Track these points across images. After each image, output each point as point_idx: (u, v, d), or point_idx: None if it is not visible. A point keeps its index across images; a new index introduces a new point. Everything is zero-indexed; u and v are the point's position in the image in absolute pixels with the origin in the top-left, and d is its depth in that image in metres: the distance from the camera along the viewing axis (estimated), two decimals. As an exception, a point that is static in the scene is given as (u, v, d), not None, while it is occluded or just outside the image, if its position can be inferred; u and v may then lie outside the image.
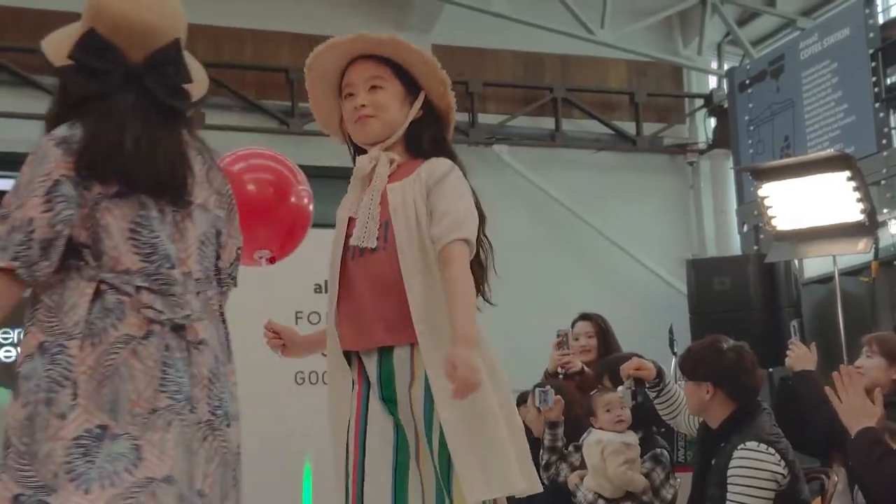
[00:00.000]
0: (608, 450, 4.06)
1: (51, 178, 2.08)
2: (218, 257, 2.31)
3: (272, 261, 3.44)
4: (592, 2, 9.00)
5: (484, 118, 9.35)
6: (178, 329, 2.15)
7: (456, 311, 2.40)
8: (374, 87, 2.67)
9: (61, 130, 2.14)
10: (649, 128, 9.79)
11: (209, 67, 9.42)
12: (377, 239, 2.57)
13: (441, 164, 2.64)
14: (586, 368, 4.78)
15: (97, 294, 2.10)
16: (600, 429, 4.15)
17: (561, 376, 4.70)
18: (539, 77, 9.74)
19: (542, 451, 4.31)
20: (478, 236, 2.60)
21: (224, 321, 2.32)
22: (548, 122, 9.58)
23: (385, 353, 2.58)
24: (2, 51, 8.11)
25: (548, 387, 4.34)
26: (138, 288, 2.11)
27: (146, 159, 2.13)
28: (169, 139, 2.18)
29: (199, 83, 2.34)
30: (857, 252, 6.42)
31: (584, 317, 5.10)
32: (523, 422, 4.64)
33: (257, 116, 8.79)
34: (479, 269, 2.64)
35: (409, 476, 2.56)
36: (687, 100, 10.22)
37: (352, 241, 2.62)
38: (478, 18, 9.03)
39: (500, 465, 2.44)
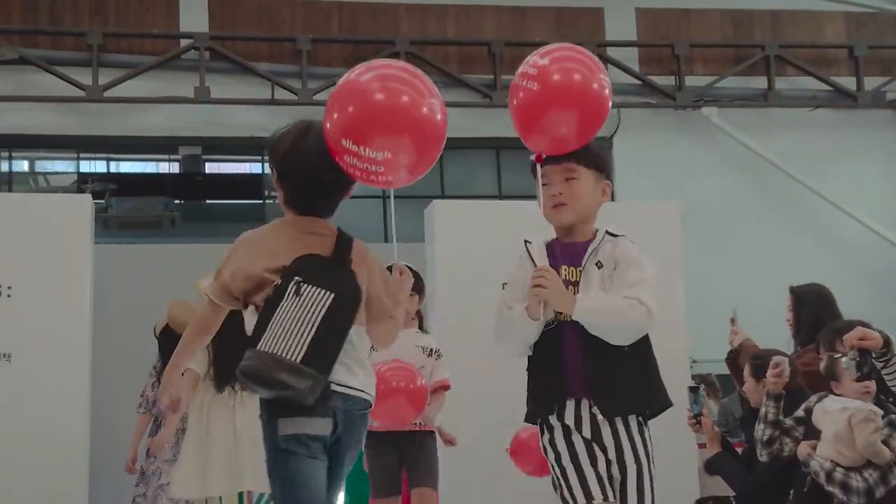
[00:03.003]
0: (856, 418, 3.85)
1: None
2: None
3: None
4: (805, -48, 8.62)
5: (691, 80, 9.11)
6: None
7: None
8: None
9: None
10: (871, 82, 9.30)
11: (412, 45, 9.48)
12: None
13: None
14: (746, 343, 4.90)
15: None
16: (839, 396, 3.96)
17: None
18: (749, 35, 9.43)
19: (760, 425, 4.16)
20: None
21: None
22: (759, 82, 9.25)
23: None
24: (219, 39, 8.52)
25: (785, 359, 4.21)
26: None
27: None
28: None
29: None
30: None
31: (790, 290, 5.00)
32: (740, 392, 4.57)
33: (460, 91, 8.86)
34: None
35: None
36: (913, 50, 9.65)
37: None
38: (682, -22, 8.82)
39: None
